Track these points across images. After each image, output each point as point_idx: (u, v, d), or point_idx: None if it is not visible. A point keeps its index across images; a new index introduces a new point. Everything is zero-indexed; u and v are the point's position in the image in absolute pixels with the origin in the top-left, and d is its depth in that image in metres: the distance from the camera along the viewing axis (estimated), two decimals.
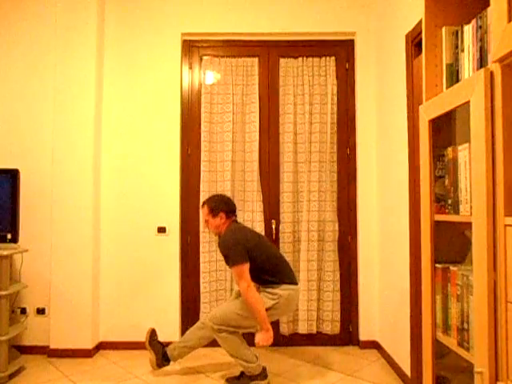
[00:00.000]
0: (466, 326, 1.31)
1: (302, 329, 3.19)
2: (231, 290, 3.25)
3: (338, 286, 3.26)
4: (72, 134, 3.08)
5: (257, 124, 3.30)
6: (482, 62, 1.28)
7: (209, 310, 3.21)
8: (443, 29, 1.48)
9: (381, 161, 3.15)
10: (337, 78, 3.35)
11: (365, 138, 3.29)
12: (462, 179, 1.36)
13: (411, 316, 2.47)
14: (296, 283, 2.58)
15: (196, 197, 3.30)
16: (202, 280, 3.23)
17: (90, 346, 3.01)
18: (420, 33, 2.34)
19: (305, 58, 3.35)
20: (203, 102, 3.32)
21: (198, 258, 3.27)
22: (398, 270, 2.73)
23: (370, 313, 3.22)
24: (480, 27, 1.28)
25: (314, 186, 3.26)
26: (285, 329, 3.20)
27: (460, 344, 1.34)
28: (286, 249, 3.26)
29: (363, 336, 3.22)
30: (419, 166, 2.39)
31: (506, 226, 1.08)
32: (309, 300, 3.22)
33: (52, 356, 3.00)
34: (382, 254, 3.12)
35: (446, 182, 1.48)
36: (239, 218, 3.29)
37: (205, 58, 3.37)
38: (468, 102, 1.24)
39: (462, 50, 1.40)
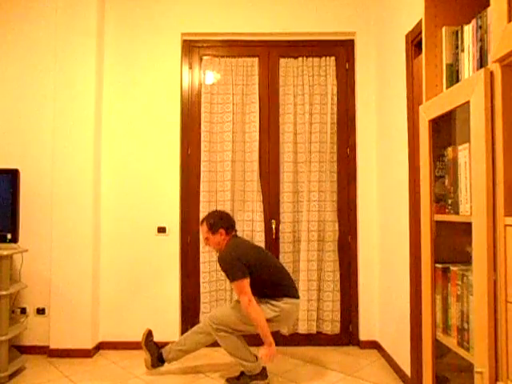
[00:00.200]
0: (466, 325, 1.31)
1: (302, 329, 3.19)
2: (231, 289, 3.25)
3: (338, 286, 3.26)
4: (72, 134, 3.08)
5: (257, 124, 3.30)
6: (482, 62, 1.28)
7: (209, 310, 3.21)
8: (443, 29, 1.48)
9: (381, 161, 3.15)
10: (337, 78, 3.35)
11: (365, 138, 3.29)
12: (462, 179, 1.36)
13: (411, 316, 2.47)
14: (297, 297, 2.56)
15: (196, 197, 3.30)
16: (201, 280, 3.23)
17: (89, 346, 3.01)
18: (420, 33, 2.34)
19: (305, 58, 3.35)
20: (203, 102, 3.32)
21: (198, 258, 3.27)
22: (398, 269, 2.73)
23: (370, 313, 3.22)
24: (480, 27, 1.28)
25: (314, 185, 3.26)
26: (285, 329, 3.20)
27: (460, 344, 1.34)
28: (285, 249, 3.26)
29: (363, 336, 3.22)
30: (419, 166, 2.39)
31: (506, 225, 1.08)
32: (309, 300, 3.22)
33: (52, 356, 3.00)
34: (381, 254, 3.12)
35: (446, 182, 1.48)
36: (239, 218, 3.29)
37: (205, 57, 3.38)
38: (468, 102, 1.24)
39: (462, 50, 1.40)
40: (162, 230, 3.22)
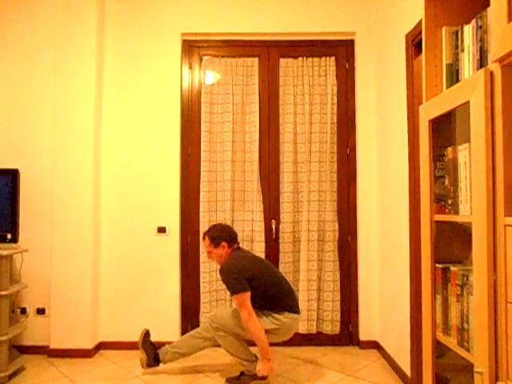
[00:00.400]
0: (466, 326, 1.31)
1: (302, 329, 3.19)
2: None
3: (338, 285, 3.26)
4: (72, 133, 3.08)
5: (257, 124, 3.30)
6: (482, 62, 1.28)
7: (209, 310, 3.21)
8: (443, 29, 1.48)
9: (381, 161, 3.15)
10: (337, 77, 3.35)
11: (365, 138, 3.29)
12: (462, 179, 1.36)
13: (411, 316, 2.47)
14: (298, 312, 2.55)
15: (196, 197, 3.30)
16: (201, 280, 3.23)
17: (89, 346, 3.01)
18: (420, 33, 2.34)
19: (305, 58, 3.35)
20: (203, 102, 3.32)
21: (198, 258, 3.27)
22: (398, 269, 2.73)
23: (370, 313, 3.22)
24: (480, 27, 1.28)
25: (314, 185, 3.26)
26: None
27: (460, 344, 1.34)
28: (285, 249, 3.26)
29: (363, 336, 3.22)
30: (419, 166, 2.39)
31: (505, 225, 1.08)
32: (309, 300, 3.22)
33: (52, 356, 3.00)
34: (382, 253, 3.12)
35: (446, 182, 1.48)
36: (239, 218, 3.29)
37: (205, 58, 3.38)
38: (468, 102, 1.24)
39: (462, 50, 1.40)
40: (162, 229, 3.22)
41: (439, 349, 1.50)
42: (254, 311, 2.43)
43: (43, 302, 3.11)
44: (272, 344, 2.60)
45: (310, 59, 3.36)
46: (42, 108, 3.18)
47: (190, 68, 3.36)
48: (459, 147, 1.38)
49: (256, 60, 3.36)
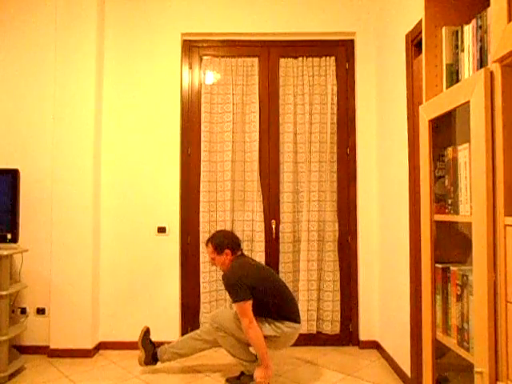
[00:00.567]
0: (465, 325, 1.31)
1: (302, 329, 3.19)
2: None
3: (338, 285, 3.26)
4: (72, 133, 3.08)
5: (257, 124, 3.30)
6: (481, 62, 1.28)
7: (209, 310, 3.21)
8: (443, 29, 1.48)
9: (381, 161, 3.15)
10: (337, 78, 3.35)
11: (365, 138, 3.29)
12: (462, 179, 1.36)
13: (411, 316, 2.47)
14: (299, 322, 2.54)
15: (196, 197, 3.30)
16: (201, 280, 3.23)
17: (89, 346, 3.01)
18: (420, 33, 2.34)
19: (305, 58, 3.35)
20: (203, 102, 3.32)
21: (198, 258, 3.27)
22: (398, 269, 2.73)
23: (370, 313, 3.22)
24: (480, 27, 1.28)
25: (314, 185, 3.26)
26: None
27: (460, 344, 1.34)
28: (285, 249, 3.26)
29: (363, 336, 3.22)
30: (419, 165, 2.39)
31: (506, 225, 1.08)
32: (309, 300, 3.22)
33: (52, 356, 3.00)
34: (382, 253, 3.12)
35: (446, 182, 1.48)
36: (239, 218, 3.29)
37: (205, 58, 3.38)
38: (468, 102, 1.24)
39: (462, 50, 1.40)
40: (162, 229, 3.22)
41: (439, 349, 1.51)
42: (256, 318, 2.43)
43: (43, 302, 3.11)
44: None
45: (309, 59, 3.36)
46: (42, 108, 3.18)
47: (190, 68, 3.36)
48: (459, 147, 1.38)
49: (256, 60, 3.36)
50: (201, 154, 3.30)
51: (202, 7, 3.31)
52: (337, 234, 3.29)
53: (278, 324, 2.48)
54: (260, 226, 3.23)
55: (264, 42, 3.37)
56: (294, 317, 2.52)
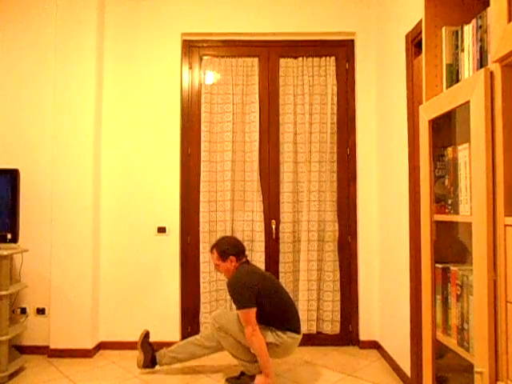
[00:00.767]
0: (466, 326, 1.31)
1: (302, 329, 3.18)
2: None
3: (338, 285, 3.26)
4: (72, 133, 3.08)
5: (257, 124, 3.30)
6: (481, 61, 1.28)
7: (209, 310, 3.21)
8: (443, 29, 1.48)
9: (381, 161, 3.15)
10: (337, 78, 3.35)
11: (365, 138, 3.29)
12: (462, 179, 1.36)
13: (411, 316, 2.47)
14: (300, 333, 2.54)
15: (196, 197, 3.30)
16: (201, 280, 3.23)
17: (90, 346, 3.01)
18: (420, 33, 2.34)
19: (305, 58, 3.35)
20: (203, 102, 3.32)
21: (198, 258, 3.27)
22: (398, 269, 2.73)
23: (370, 313, 3.22)
24: (480, 27, 1.28)
25: (314, 185, 3.26)
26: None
27: (460, 344, 1.34)
28: (285, 249, 3.26)
29: (363, 336, 3.22)
30: (419, 165, 2.39)
31: (505, 225, 1.08)
32: (309, 300, 3.22)
33: (52, 356, 3.00)
34: (382, 254, 3.12)
35: (446, 182, 1.48)
36: (239, 218, 3.29)
37: (205, 58, 3.38)
38: (468, 102, 1.24)
39: (462, 50, 1.40)
40: (162, 229, 3.22)
41: (439, 350, 1.51)
42: (259, 326, 2.43)
43: (43, 302, 3.11)
44: None
45: (310, 59, 3.36)
46: (42, 108, 3.18)
47: (190, 68, 3.36)
48: (459, 147, 1.38)
49: (256, 60, 3.36)
50: (201, 153, 3.30)
51: (202, 7, 3.31)
52: (337, 233, 3.29)
53: (280, 333, 2.47)
54: (260, 226, 3.23)
55: (264, 41, 3.37)
56: (295, 327, 2.51)
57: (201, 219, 3.25)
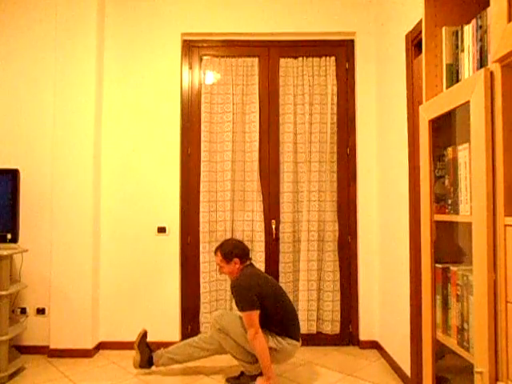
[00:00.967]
0: (465, 326, 1.31)
1: (302, 329, 3.18)
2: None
3: (338, 285, 3.26)
4: (72, 134, 3.08)
5: (257, 124, 3.30)
6: (481, 61, 1.28)
7: (209, 310, 3.21)
8: (443, 29, 1.48)
9: (381, 161, 3.15)
10: (337, 78, 3.35)
11: (365, 138, 3.29)
12: (462, 179, 1.36)
13: (411, 316, 2.47)
14: (299, 340, 2.54)
15: (196, 197, 3.30)
16: (201, 280, 3.23)
17: (90, 346, 3.01)
18: (420, 33, 2.34)
19: (305, 58, 3.35)
20: (203, 102, 3.32)
21: (198, 258, 3.27)
22: (398, 269, 2.73)
23: (370, 313, 3.22)
24: (480, 27, 1.28)
25: (314, 185, 3.26)
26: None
27: (460, 344, 1.34)
28: (285, 249, 3.26)
29: (363, 336, 3.22)
30: (419, 166, 2.39)
31: (505, 225, 1.08)
32: (309, 300, 3.22)
33: (52, 356, 3.00)
34: (382, 254, 3.12)
35: (446, 182, 1.48)
36: (239, 218, 3.29)
37: (205, 58, 3.38)
38: (468, 102, 1.24)
39: (462, 50, 1.40)
40: (162, 230, 3.22)
41: (440, 350, 1.50)
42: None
43: (43, 302, 3.11)
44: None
45: (310, 59, 3.36)
46: (42, 108, 3.18)
47: (190, 68, 3.36)
48: (459, 147, 1.38)
49: (256, 60, 3.37)
50: (201, 153, 3.30)
51: (202, 7, 3.31)
52: (337, 233, 3.29)
53: (280, 339, 2.47)
54: (260, 226, 3.23)
55: (264, 41, 3.37)
56: (295, 334, 2.51)
57: (201, 219, 3.25)
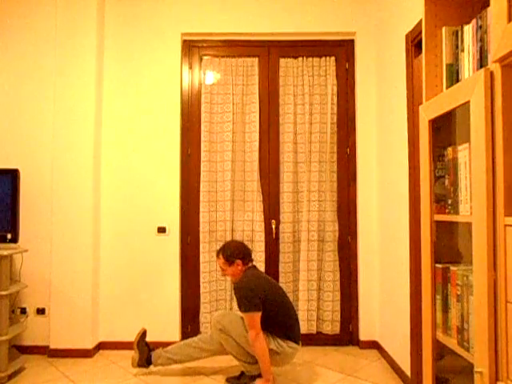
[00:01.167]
0: (466, 326, 1.31)
1: (302, 329, 3.18)
2: (232, 290, 3.25)
3: (338, 285, 3.26)
4: (72, 134, 3.08)
5: (257, 124, 3.30)
6: (481, 61, 1.28)
7: (209, 310, 3.21)
8: (443, 29, 1.48)
9: (381, 161, 3.15)
10: (337, 77, 3.35)
11: (365, 138, 3.29)
12: (462, 179, 1.36)
13: (411, 316, 2.47)
14: (299, 343, 2.54)
15: (196, 197, 3.30)
16: (201, 280, 3.23)
17: (89, 346, 3.01)
18: (420, 33, 2.34)
19: (305, 58, 3.35)
20: (203, 102, 3.32)
21: (198, 258, 3.27)
22: (398, 269, 2.73)
23: (370, 313, 3.22)
24: (480, 27, 1.28)
25: (314, 185, 3.26)
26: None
27: (460, 344, 1.34)
28: (285, 249, 3.26)
29: (363, 336, 3.22)
30: (419, 166, 2.39)
31: (505, 225, 1.08)
32: (309, 300, 3.22)
33: (52, 356, 3.00)
34: (382, 254, 3.12)
35: (446, 182, 1.48)
36: (239, 218, 3.29)
37: (205, 58, 3.38)
38: (468, 102, 1.24)
39: (462, 50, 1.40)
40: (162, 229, 3.22)
41: (440, 351, 1.50)
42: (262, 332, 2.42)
43: (43, 302, 3.11)
44: None
45: (310, 59, 3.36)
46: (42, 108, 3.18)
47: (190, 68, 3.36)
48: (459, 147, 1.38)
49: (256, 60, 3.36)
50: (201, 154, 3.30)
51: (202, 7, 3.31)
52: (337, 233, 3.29)
53: (281, 342, 2.47)
54: (260, 226, 3.23)
55: (264, 41, 3.37)
56: (296, 338, 2.51)
57: (201, 219, 3.25)
